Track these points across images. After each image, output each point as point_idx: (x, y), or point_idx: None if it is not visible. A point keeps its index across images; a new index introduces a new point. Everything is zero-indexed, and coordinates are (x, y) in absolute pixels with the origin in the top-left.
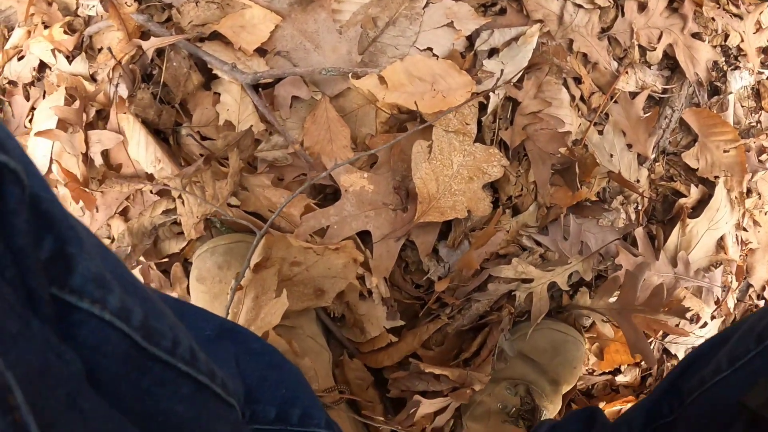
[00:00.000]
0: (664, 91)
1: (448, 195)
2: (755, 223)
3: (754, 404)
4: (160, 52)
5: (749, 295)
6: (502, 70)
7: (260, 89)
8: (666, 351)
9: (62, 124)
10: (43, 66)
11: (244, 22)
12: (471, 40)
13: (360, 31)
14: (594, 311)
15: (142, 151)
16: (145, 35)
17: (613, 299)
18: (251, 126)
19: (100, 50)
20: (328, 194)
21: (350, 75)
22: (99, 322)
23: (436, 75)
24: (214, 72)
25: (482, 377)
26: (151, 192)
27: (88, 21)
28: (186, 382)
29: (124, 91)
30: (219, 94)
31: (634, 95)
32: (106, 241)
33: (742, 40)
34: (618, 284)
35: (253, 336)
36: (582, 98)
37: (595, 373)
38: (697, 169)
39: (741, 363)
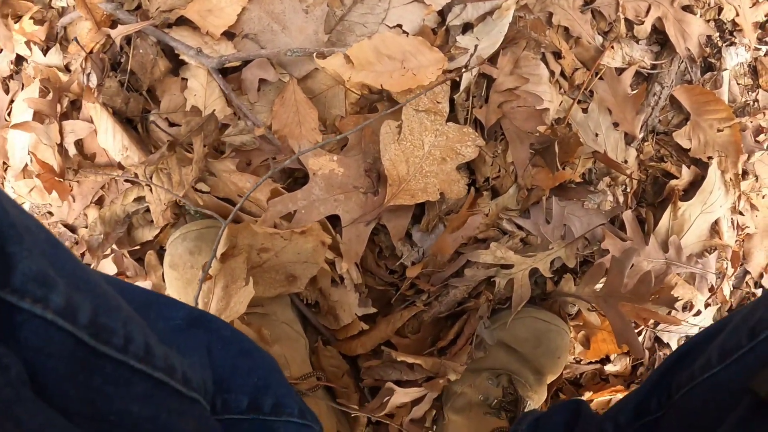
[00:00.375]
0: (653, 66)
1: (419, 177)
2: (752, 206)
3: (762, 391)
4: (128, 40)
5: (746, 282)
6: (476, 46)
7: (227, 74)
8: (658, 340)
9: (38, 116)
10: (20, 59)
11: (211, 5)
12: (443, 15)
13: (326, 10)
14: (579, 299)
15: (110, 140)
16: (114, 24)
17: (599, 286)
18: (214, 111)
19: (74, 40)
20: (297, 178)
21: (315, 55)
22: (41, 322)
23: (406, 52)
24: (181, 57)
25: (457, 366)
26: (124, 181)
27: (62, 12)
28: (140, 380)
29: (94, 80)
30: (186, 80)
31: (620, 71)
32: (83, 231)
33: (737, 14)
34: (604, 271)
35: (224, 324)
36: (563, 74)
37: (582, 362)
38: (689, 149)
39: (732, 359)
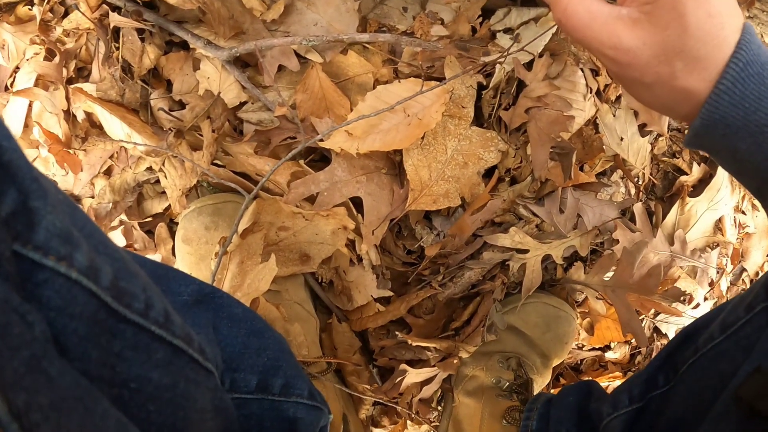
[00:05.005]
0: None
1: (441, 181)
2: (753, 206)
3: (748, 396)
4: (118, 30)
5: (742, 279)
6: (513, 45)
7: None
8: (657, 330)
9: (42, 83)
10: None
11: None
12: (486, 16)
13: None
14: (588, 287)
15: (113, 128)
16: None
17: (608, 276)
18: (219, 93)
19: (75, 6)
20: (314, 159)
21: (323, 138)
22: (65, 281)
23: (403, 98)
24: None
25: (469, 347)
26: (140, 152)
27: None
28: (160, 347)
29: (102, 48)
30: (198, 59)
31: None
32: (89, 201)
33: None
34: (614, 261)
35: (234, 301)
36: (598, 91)
37: (584, 348)
38: None
39: (731, 330)
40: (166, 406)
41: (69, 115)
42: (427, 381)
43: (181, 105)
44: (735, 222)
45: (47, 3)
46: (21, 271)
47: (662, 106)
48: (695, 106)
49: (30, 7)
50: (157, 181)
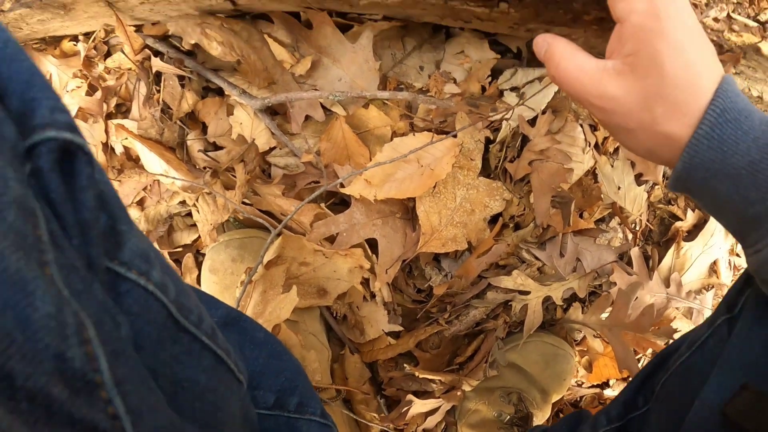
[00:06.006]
0: None
1: (449, 227)
2: None
3: (735, 414)
4: (159, 74)
5: None
6: (519, 102)
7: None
8: None
9: (82, 115)
10: None
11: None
12: (495, 76)
13: (371, 35)
14: (585, 326)
15: (151, 163)
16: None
17: (604, 315)
18: (254, 140)
19: (122, 52)
20: (335, 202)
21: (339, 185)
22: (143, 292)
23: (417, 150)
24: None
25: (472, 381)
26: (175, 186)
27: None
28: (208, 355)
29: (143, 89)
30: (232, 106)
31: None
32: None
33: None
34: (610, 302)
35: (258, 326)
36: (597, 145)
37: (583, 386)
38: None
39: (696, 345)
40: (208, 406)
41: (107, 147)
42: (432, 412)
43: (215, 146)
44: (730, 264)
45: (92, 41)
46: (108, 281)
47: (646, 151)
48: (677, 150)
49: (75, 42)
50: (188, 215)
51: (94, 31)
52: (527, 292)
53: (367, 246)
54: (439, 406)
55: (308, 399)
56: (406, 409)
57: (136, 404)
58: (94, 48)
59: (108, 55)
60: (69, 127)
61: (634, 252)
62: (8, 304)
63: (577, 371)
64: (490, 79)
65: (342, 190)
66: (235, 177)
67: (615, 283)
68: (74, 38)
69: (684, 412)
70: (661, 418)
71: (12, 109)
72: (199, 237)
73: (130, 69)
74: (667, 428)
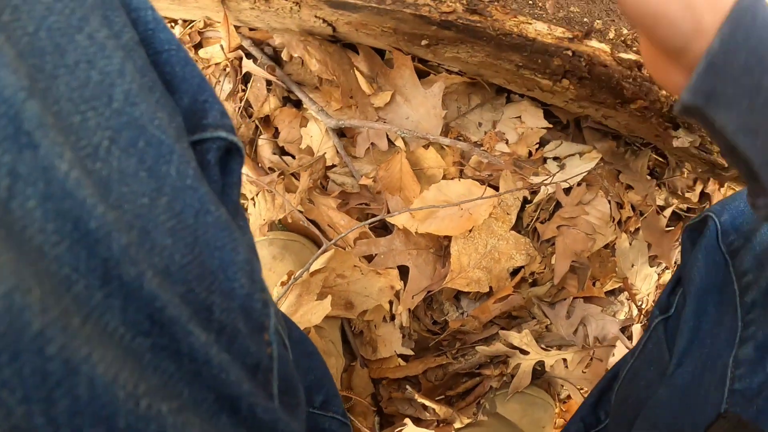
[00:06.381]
0: (688, 210)
1: (476, 269)
2: None
3: None
4: (248, 75)
5: None
6: (558, 171)
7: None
8: None
9: None
10: None
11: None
12: (542, 144)
13: (443, 86)
14: (567, 381)
15: None
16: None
17: (585, 369)
18: (324, 154)
19: (221, 46)
20: (376, 226)
21: (389, 217)
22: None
23: (461, 195)
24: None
25: (464, 419)
26: None
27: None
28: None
29: (227, 87)
30: (306, 119)
31: (662, 209)
32: None
33: None
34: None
35: (294, 325)
36: (619, 222)
37: None
38: None
39: (638, 351)
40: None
41: None
42: None
43: (282, 151)
44: None
45: (190, 28)
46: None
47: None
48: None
49: (173, 24)
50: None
51: (194, 21)
52: (527, 353)
53: (398, 271)
54: None
55: (332, 398)
56: (399, 430)
57: (282, 352)
58: (189, 35)
59: (199, 46)
60: (233, 131)
61: (636, 329)
62: (217, 246)
63: (555, 423)
64: (537, 145)
65: (388, 219)
66: (297, 183)
67: (611, 353)
68: (172, 21)
69: (634, 417)
70: (618, 427)
71: (182, 105)
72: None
73: (218, 64)
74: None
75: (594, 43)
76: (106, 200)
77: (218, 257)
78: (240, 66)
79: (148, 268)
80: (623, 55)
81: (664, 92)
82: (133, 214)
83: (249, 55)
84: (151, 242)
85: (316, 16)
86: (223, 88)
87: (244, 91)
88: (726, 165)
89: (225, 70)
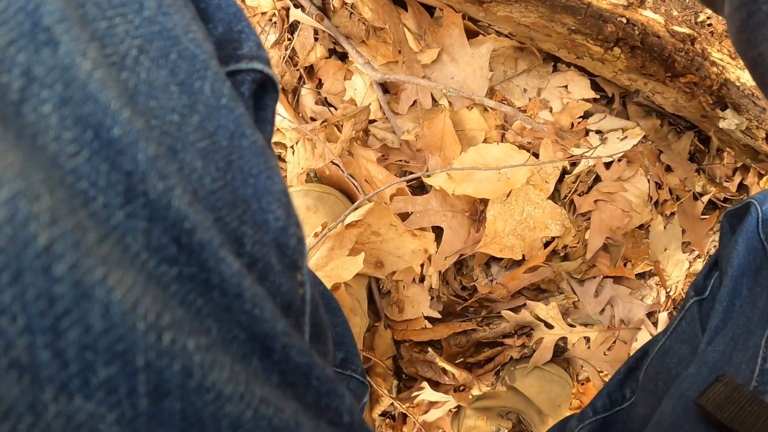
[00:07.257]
0: (725, 200)
1: (511, 236)
2: None
3: (708, 405)
4: (297, 22)
5: None
6: (599, 145)
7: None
8: None
9: None
10: None
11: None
12: (585, 115)
13: (491, 47)
14: (587, 362)
15: None
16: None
17: (608, 352)
18: (369, 104)
19: None
20: (413, 185)
21: (422, 175)
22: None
23: (498, 159)
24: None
25: (483, 386)
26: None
27: None
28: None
29: (272, 38)
30: (351, 72)
31: (699, 195)
32: None
33: None
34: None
35: (319, 280)
36: (656, 202)
37: None
38: None
39: (671, 329)
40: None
41: None
42: (437, 405)
43: (324, 102)
44: None
45: None
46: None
47: None
48: None
49: None
50: (278, 157)
51: None
52: (551, 327)
53: (433, 233)
54: (446, 402)
55: (352, 356)
56: (416, 393)
57: (314, 294)
58: None
59: None
60: (269, 64)
61: (662, 316)
62: (251, 172)
63: (571, 404)
64: (581, 117)
65: (425, 179)
66: (338, 134)
67: (635, 337)
68: None
69: (663, 393)
70: (645, 405)
71: (215, 35)
72: (285, 176)
73: (264, 13)
74: (650, 414)
75: (648, 13)
76: (133, 109)
77: (252, 184)
78: (287, 15)
79: (178, 183)
80: (677, 28)
81: (714, 69)
82: (160, 131)
83: (297, 5)
84: (179, 163)
85: None
86: (269, 38)
87: (290, 40)
88: None
89: (271, 20)
